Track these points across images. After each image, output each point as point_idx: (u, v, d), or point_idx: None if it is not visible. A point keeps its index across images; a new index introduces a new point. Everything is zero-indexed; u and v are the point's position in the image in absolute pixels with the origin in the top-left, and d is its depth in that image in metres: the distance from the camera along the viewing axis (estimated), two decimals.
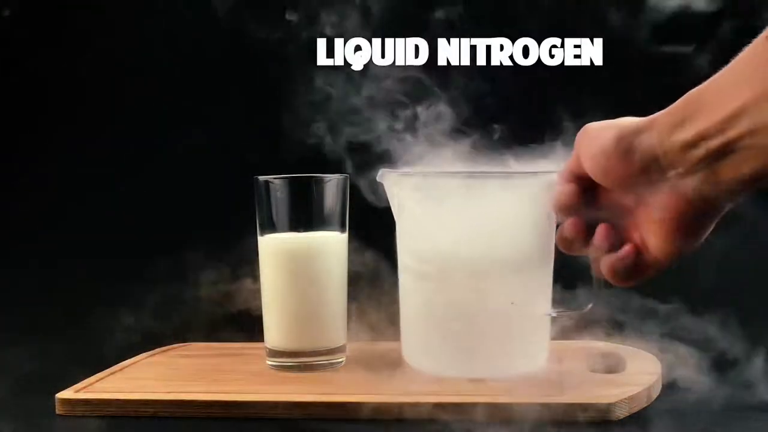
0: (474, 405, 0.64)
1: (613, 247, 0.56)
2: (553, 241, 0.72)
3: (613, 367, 0.73)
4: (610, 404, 0.63)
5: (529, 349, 0.72)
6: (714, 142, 0.47)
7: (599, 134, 0.54)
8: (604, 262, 0.56)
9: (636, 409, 0.65)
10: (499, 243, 0.70)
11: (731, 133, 0.46)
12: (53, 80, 1.12)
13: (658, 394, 0.70)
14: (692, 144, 0.48)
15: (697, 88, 0.49)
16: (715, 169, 0.48)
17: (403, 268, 0.76)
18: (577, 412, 0.63)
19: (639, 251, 0.55)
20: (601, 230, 0.57)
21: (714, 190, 0.49)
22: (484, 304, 0.70)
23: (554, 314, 0.73)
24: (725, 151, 0.47)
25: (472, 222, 0.70)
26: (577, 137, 0.57)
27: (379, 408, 0.65)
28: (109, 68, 1.11)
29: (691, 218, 0.51)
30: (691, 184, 0.49)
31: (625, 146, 0.52)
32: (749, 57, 0.46)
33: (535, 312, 0.71)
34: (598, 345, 0.81)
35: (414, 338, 0.75)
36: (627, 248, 0.55)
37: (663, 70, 1.01)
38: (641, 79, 0.99)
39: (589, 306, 0.68)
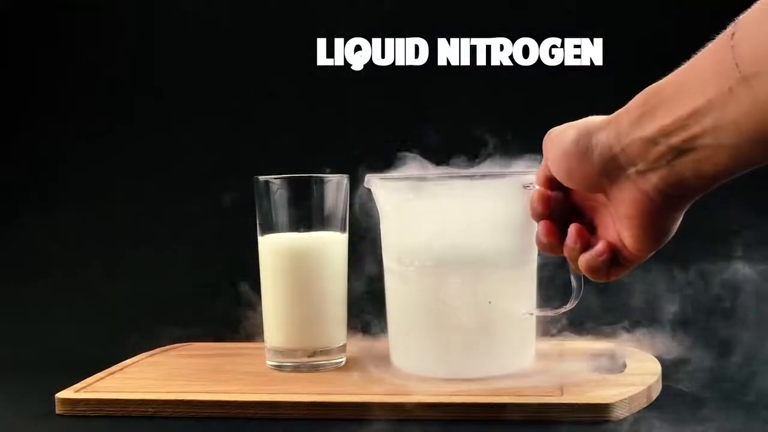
0: (474, 405, 0.64)
1: (587, 245, 0.56)
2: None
3: (613, 367, 0.74)
4: (610, 404, 0.63)
5: (512, 348, 0.72)
6: (675, 139, 0.46)
7: (560, 136, 0.54)
8: (581, 261, 0.57)
9: (636, 409, 0.65)
10: (478, 243, 0.70)
11: (694, 130, 0.45)
12: (51, 79, 1.12)
13: (658, 394, 0.70)
14: (652, 140, 0.48)
15: (656, 84, 0.49)
16: (676, 167, 0.47)
17: (386, 269, 0.76)
18: (577, 412, 0.63)
19: (613, 247, 0.55)
20: (572, 230, 0.57)
21: (676, 188, 0.48)
22: (464, 304, 0.70)
23: (534, 313, 0.73)
24: (687, 148, 0.46)
25: (451, 223, 0.71)
26: (543, 141, 0.57)
27: (379, 408, 0.65)
28: (107, 67, 1.11)
29: (656, 214, 0.50)
30: (652, 181, 0.49)
31: (583, 146, 0.52)
32: (713, 53, 0.45)
33: (515, 311, 0.71)
34: (598, 345, 0.81)
35: (398, 339, 0.75)
36: (599, 246, 0.55)
37: (663, 70, 1.01)
38: (641, 79, 0.99)
39: (570, 305, 0.69)
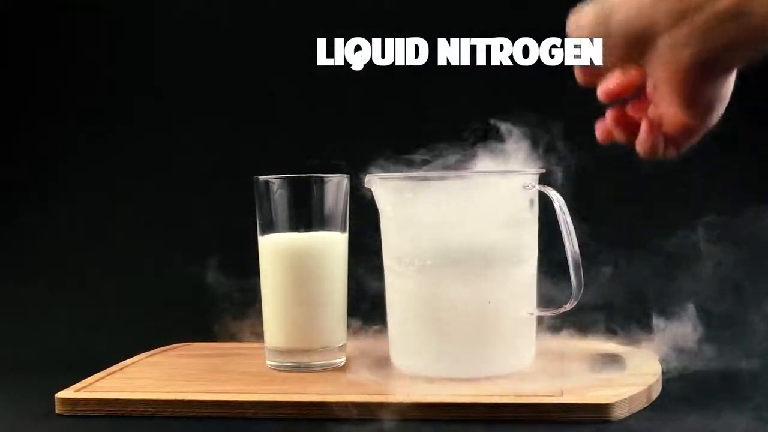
0: (474, 405, 0.64)
1: (631, 126, 0.53)
2: (536, 240, 0.73)
3: (613, 367, 0.74)
4: (610, 404, 0.63)
5: (512, 348, 0.72)
6: (713, 7, 0.43)
7: (580, 17, 0.51)
8: (636, 145, 0.53)
9: (636, 409, 0.65)
10: (478, 243, 0.70)
11: (724, 2, 0.42)
12: (51, 79, 1.12)
13: (658, 394, 0.70)
14: (681, 13, 0.44)
15: None
16: (713, 39, 0.44)
17: (386, 269, 0.76)
18: (577, 412, 0.63)
19: (658, 129, 0.51)
20: (608, 116, 0.54)
21: (713, 59, 0.45)
22: (464, 304, 0.70)
23: (534, 313, 0.73)
24: (718, 19, 0.43)
25: (451, 223, 0.71)
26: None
27: (379, 408, 0.65)
28: (107, 68, 1.11)
29: (694, 84, 0.47)
30: (684, 55, 0.45)
31: (604, 24, 0.49)
32: None
33: (515, 311, 0.71)
34: (599, 345, 0.81)
35: (398, 339, 0.75)
36: (642, 132, 0.52)
37: None
38: None
39: (570, 305, 0.69)
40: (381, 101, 1.06)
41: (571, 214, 0.69)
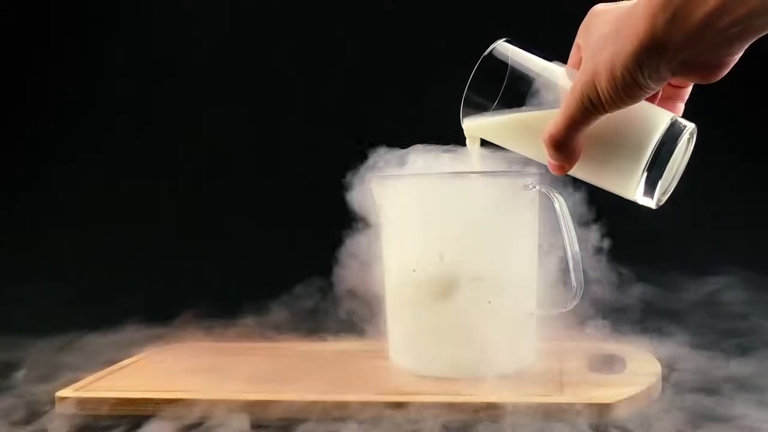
0: (474, 404, 0.64)
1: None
2: (536, 240, 0.73)
3: (613, 367, 0.74)
4: (610, 404, 0.63)
5: (512, 348, 0.72)
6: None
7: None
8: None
9: (636, 409, 0.65)
10: (478, 243, 0.70)
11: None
12: (53, 79, 1.12)
13: (658, 394, 0.70)
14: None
15: None
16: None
17: (386, 269, 0.76)
18: (577, 412, 0.63)
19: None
20: None
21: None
22: (465, 305, 0.70)
23: (535, 313, 0.73)
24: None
25: (451, 222, 0.71)
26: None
27: (379, 408, 0.65)
28: (108, 68, 1.11)
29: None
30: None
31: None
32: None
33: (515, 311, 0.71)
34: (598, 345, 0.81)
35: (398, 338, 0.75)
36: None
37: None
38: None
39: (570, 305, 0.69)
40: (381, 101, 1.06)
41: None
